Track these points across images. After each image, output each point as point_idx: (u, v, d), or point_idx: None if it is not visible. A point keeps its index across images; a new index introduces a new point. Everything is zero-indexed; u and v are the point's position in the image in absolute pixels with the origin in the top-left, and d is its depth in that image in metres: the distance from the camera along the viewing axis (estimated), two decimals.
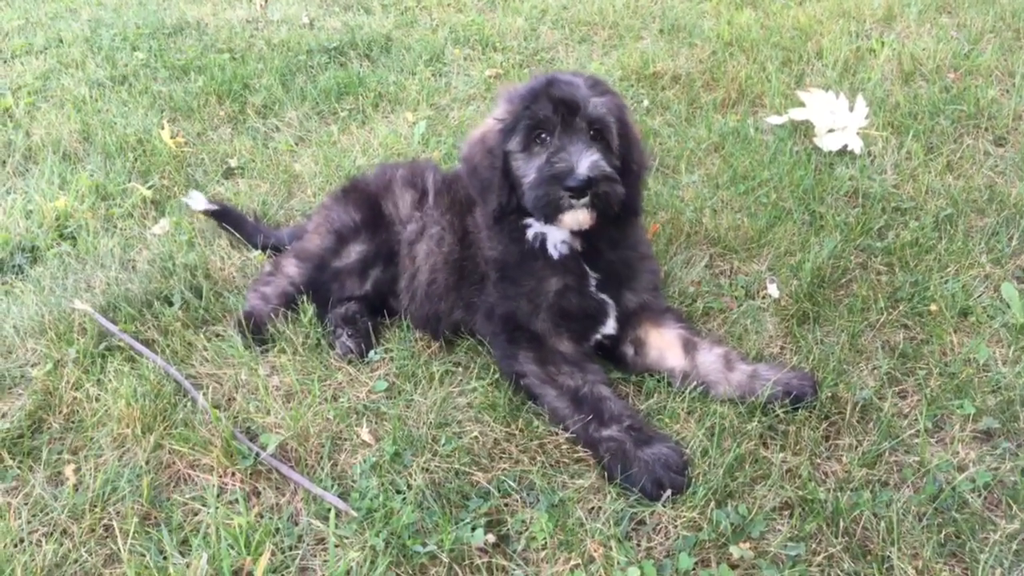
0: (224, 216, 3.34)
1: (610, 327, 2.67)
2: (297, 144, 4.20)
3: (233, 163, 3.98)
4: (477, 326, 2.77)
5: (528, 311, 2.61)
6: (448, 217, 2.89)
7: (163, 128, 4.12)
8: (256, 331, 2.82)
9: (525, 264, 2.62)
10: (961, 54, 4.63)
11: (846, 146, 3.84)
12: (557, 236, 2.59)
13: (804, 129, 4.01)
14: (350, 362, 2.75)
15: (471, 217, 2.80)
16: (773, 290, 2.99)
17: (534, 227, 2.60)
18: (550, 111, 2.43)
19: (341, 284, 2.98)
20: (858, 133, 3.87)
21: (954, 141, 3.87)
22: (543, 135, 2.46)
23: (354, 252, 2.97)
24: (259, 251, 3.29)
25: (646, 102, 4.42)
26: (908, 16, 5.25)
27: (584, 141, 2.42)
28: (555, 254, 2.60)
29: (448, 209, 2.91)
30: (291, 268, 2.99)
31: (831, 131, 3.89)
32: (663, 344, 2.62)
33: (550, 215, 2.43)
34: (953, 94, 4.20)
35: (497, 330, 2.65)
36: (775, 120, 4.08)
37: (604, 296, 2.63)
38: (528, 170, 2.48)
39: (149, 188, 3.71)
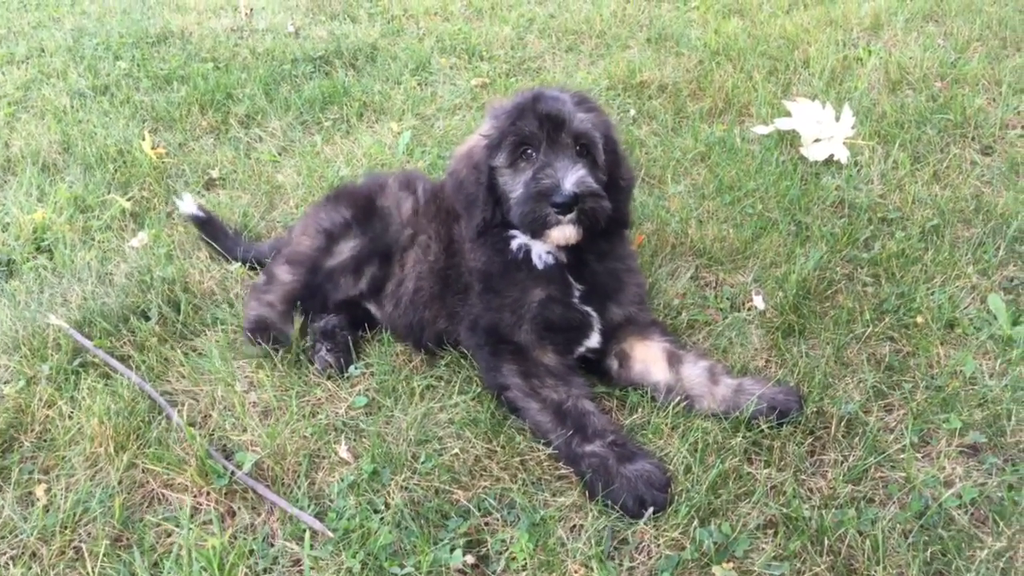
0: (206, 226, 3.30)
1: (594, 340, 2.64)
2: (280, 154, 4.16)
3: (215, 174, 3.94)
4: (461, 337, 2.74)
5: (511, 322, 2.58)
6: (434, 226, 2.86)
7: (144, 139, 4.07)
8: (264, 336, 2.78)
9: (508, 275, 2.60)
10: (948, 63, 4.62)
11: (832, 156, 3.83)
12: (542, 247, 2.57)
13: (790, 139, 3.99)
14: (329, 377, 2.71)
15: (457, 227, 2.77)
16: (759, 302, 2.96)
17: (519, 238, 2.58)
18: (536, 127, 2.42)
19: (335, 284, 2.91)
20: (844, 143, 3.86)
21: (941, 151, 3.85)
22: (529, 151, 2.45)
23: (347, 249, 2.91)
24: (239, 263, 3.24)
25: (633, 111, 4.40)
26: (895, 25, 5.25)
27: (570, 157, 2.42)
28: (540, 264, 2.58)
29: (434, 218, 2.89)
30: (285, 275, 2.93)
31: (817, 141, 3.88)
32: (648, 357, 2.59)
33: (537, 231, 2.43)
34: (940, 103, 4.20)
35: (481, 342, 2.62)
36: (761, 130, 4.06)
37: (588, 308, 2.61)
38: (515, 185, 2.47)
39: (128, 200, 3.66)
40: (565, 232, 2.40)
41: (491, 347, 2.59)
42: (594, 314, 2.62)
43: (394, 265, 2.91)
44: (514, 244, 2.59)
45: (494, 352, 2.57)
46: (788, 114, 4.02)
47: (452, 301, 2.75)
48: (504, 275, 2.61)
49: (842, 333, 2.76)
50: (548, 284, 2.58)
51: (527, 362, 2.53)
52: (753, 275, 3.11)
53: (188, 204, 3.32)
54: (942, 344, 2.72)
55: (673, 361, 2.55)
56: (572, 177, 2.35)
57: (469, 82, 4.82)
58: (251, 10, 6.10)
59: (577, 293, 2.60)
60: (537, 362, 2.54)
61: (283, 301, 2.89)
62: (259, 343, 2.78)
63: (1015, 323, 2.78)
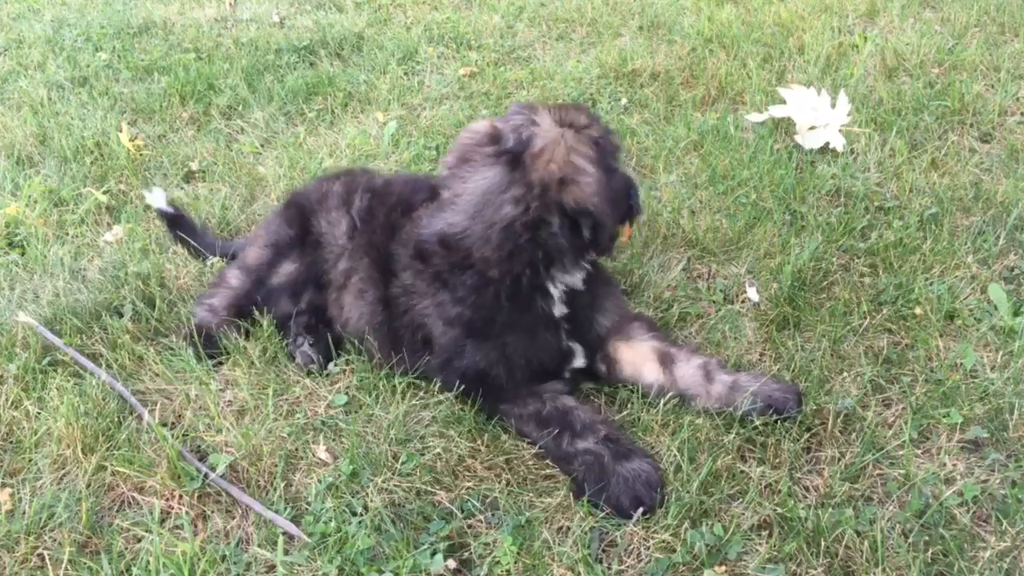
0: (177, 223, 3.18)
1: (578, 362, 2.48)
2: (262, 146, 4.05)
3: (194, 166, 3.83)
4: (428, 370, 2.50)
5: (498, 366, 2.36)
6: (366, 263, 2.62)
7: (121, 130, 3.96)
8: (207, 344, 2.67)
9: (516, 321, 2.35)
10: (945, 49, 4.53)
11: (828, 144, 3.73)
12: (565, 283, 2.39)
13: (785, 127, 3.89)
14: (310, 373, 2.61)
15: (398, 280, 2.49)
16: (753, 294, 2.87)
17: (558, 287, 2.38)
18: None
19: (276, 302, 2.79)
20: (840, 130, 3.76)
21: (939, 138, 3.77)
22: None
23: (287, 270, 2.79)
24: (218, 257, 3.13)
25: (624, 100, 4.30)
26: (891, 11, 5.16)
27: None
28: (557, 313, 2.39)
29: (366, 252, 2.63)
30: (234, 280, 2.83)
31: (813, 128, 3.78)
32: (637, 359, 2.47)
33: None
34: (937, 90, 4.11)
35: (450, 381, 2.42)
36: (755, 118, 3.96)
37: (572, 343, 2.45)
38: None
39: (105, 193, 3.56)
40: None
41: (463, 383, 2.40)
42: (578, 347, 2.46)
43: (331, 297, 2.73)
44: (555, 294, 2.37)
45: (466, 392, 2.40)
46: (783, 101, 3.93)
47: (411, 359, 2.50)
48: (511, 322, 2.34)
49: (838, 325, 2.67)
50: (544, 330, 2.39)
51: (498, 391, 2.38)
52: (747, 266, 3.02)
53: (158, 198, 3.18)
54: (941, 336, 2.64)
55: (665, 361, 2.43)
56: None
57: (457, 71, 4.71)
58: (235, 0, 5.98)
59: (564, 335, 2.44)
60: (506, 391, 2.38)
61: (227, 307, 2.78)
62: (196, 347, 2.65)
63: (1016, 314, 2.70)
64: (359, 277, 2.64)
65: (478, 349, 2.36)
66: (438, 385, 2.48)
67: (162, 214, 3.21)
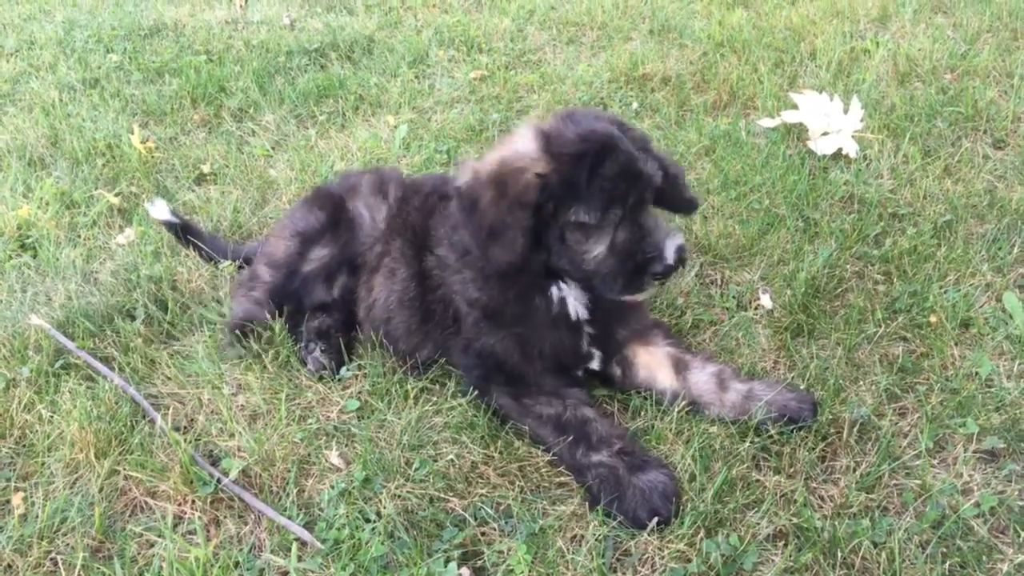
0: (185, 230, 3.16)
1: (594, 364, 2.50)
2: (273, 149, 4.05)
3: (206, 168, 3.83)
4: (452, 359, 2.57)
5: (513, 353, 2.40)
6: (399, 244, 2.66)
7: (133, 132, 3.96)
8: (245, 336, 2.68)
9: (525, 315, 2.39)
10: (958, 54, 4.51)
11: (841, 149, 3.72)
12: (582, 298, 2.40)
13: (797, 132, 3.88)
14: (321, 379, 2.61)
15: (433, 255, 2.52)
16: (766, 301, 2.85)
17: (562, 291, 2.38)
18: (622, 184, 2.14)
19: (309, 290, 2.80)
20: (853, 136, 3.75)
21: (952, 144, 3.75)
22: (615, 209, 2.18)
23: (319, 256, 2.79)
24: (229, 261, 3.13)
25: (635, 104, 4.29)
26: (903, 16, 5.14)
27: (652, 215, 2.23)
28: (573, 315, 2.40)
29: (400, 234, 2.68)
30: (266, 275, 2.83)
31: (825, 134, 3.77)
32: (652, 363, 2.48)
33: (625, 293, 2.25)
34: (950, 96, 4.09)
35: (471, 364, 2.46)
36: (767, 123, 3.95)
37: (593, 349, 2.46)
38: (594, 246, 2.20)
39: (116, 195, 3.56)
40: (650, 291, 2.27)
41: (482, 370, 2.43)
42: (597, 352, 2.47)
43: (361, 280, 2.74)
44: (555, 295, 2.38)
45: (485, 376, 2.43)
46: (795, 107, 3.91)
47: (440, 336, 2.54)
48: (521, 315, 2.39)
49: (853, 333, 2.65)
50: (562, 329, 2.40)
51: (519, 385, 2.40)
52: (760, 273, 3.00)
53: (160, 210, 3.16)
54: (957, 344, 2.62)
55: (680, 367, 2.43)
56: (672, 245, 2.16)
57: (467, 75, 4.71)
58: (246, 1, 5.99)
59: (586, 339, 2.45)
60: (528, 384, 2.41)
61: (269, 300, 2.79)
62: (242, 341, 2.67)
63: None
64: (392, 257, 2.68)
65: (492, 331, 2.42)
66: (451, 390, 2.47)
67: (168, 225, 3.19)
